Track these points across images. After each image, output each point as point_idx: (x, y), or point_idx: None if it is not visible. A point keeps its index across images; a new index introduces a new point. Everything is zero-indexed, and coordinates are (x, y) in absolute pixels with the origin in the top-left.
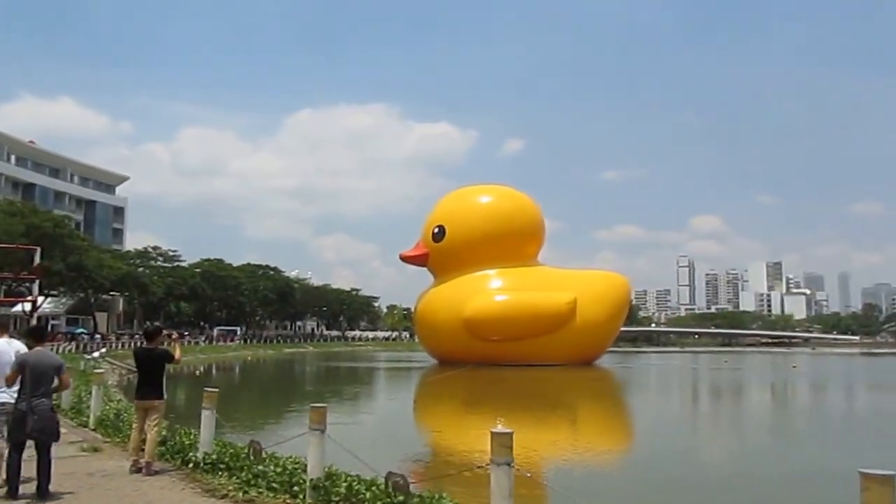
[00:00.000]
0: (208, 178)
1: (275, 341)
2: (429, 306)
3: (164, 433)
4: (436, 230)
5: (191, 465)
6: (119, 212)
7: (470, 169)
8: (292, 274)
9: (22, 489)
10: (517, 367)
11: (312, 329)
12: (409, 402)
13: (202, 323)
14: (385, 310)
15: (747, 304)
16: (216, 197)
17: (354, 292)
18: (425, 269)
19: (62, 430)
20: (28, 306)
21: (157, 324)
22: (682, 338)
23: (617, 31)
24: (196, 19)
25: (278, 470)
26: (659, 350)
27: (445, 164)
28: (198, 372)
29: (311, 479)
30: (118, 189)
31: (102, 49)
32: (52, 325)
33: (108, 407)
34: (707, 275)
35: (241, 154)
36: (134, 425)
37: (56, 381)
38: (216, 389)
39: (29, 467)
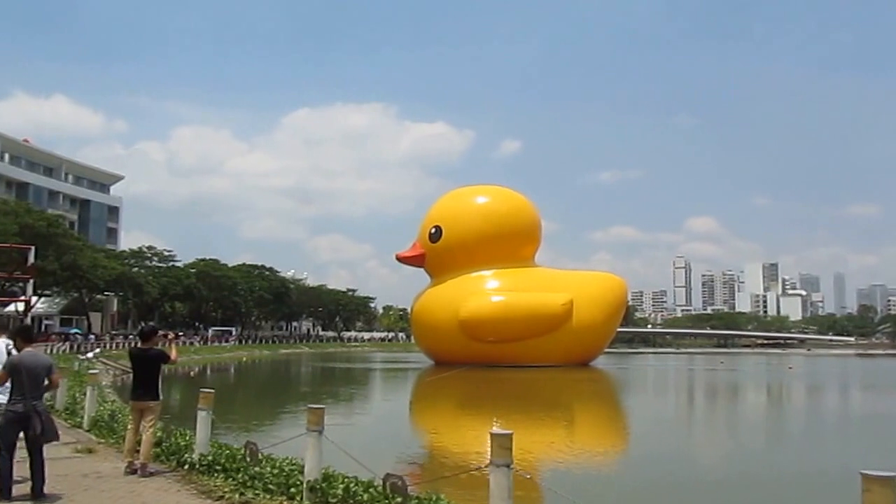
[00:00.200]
0: (203, 177)
1: (270, 342)
2: (425, 307)
3: (159, 434)
4: (432, 231)
5: (186, 466)
6: (113, 211)
7: (466, 169)
8: (288, 274)
9: (15, 490)
10: (513, 368)
11: (308, 330)
12: (405, 404)
13: (197, 323)
14: (381, 310)
15: (743, 305)
16: (211, 196)
17: (350, 293)
18: (422, 269)
19: None
20: (21, 306)
21: (152, 324)
22: (679, 339)
23: (613, 32)
24: (191, 17)
25: (275, 471)
26: (655, 351)
27: (442, 165)
28: (193, 373)
29: (308, 481)
30: (113, 188)
31: (97, 47)
32: (46, 325)
33: (102, 408)
34: (703, 276)
35: (237, 153)
36: (129, 426)
37: (46, 381)
38: (212, 390)
39: (19, 469)
